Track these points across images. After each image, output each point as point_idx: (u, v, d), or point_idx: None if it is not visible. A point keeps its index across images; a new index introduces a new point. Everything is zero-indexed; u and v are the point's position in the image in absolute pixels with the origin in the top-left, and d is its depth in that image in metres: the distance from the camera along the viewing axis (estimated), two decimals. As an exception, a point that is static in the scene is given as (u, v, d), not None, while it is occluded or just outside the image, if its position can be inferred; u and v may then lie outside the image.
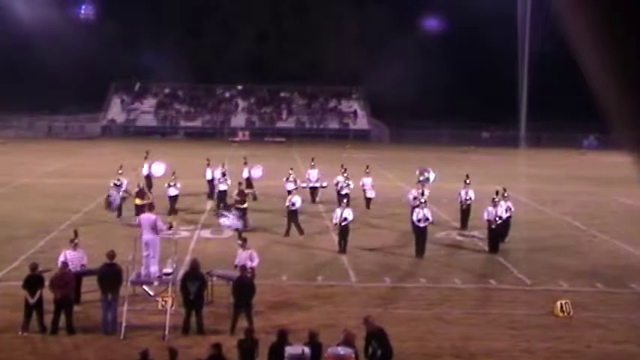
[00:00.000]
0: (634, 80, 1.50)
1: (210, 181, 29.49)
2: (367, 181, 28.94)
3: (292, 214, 23.79)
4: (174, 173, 27.72)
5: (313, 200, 29.30)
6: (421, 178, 27.69)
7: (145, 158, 30.39)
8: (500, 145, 60.95)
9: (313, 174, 29.81)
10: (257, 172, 30.63)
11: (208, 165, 29.92)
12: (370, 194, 28.60)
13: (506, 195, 23.50)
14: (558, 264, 20.98)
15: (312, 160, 30.71)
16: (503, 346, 14.25)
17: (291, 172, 28.93)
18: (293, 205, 23.82)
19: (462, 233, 24.84)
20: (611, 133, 1.67)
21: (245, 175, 29.75)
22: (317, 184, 29.54)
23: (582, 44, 1.56)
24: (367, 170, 29.81)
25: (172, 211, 26.51)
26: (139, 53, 66.37)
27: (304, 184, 29.59)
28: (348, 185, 27.63)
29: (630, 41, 1.45)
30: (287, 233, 23.47)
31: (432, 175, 28.48)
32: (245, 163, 30.65)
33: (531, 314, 16.17)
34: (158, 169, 30.02)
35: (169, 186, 27.08)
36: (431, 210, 22.53)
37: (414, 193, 25.18)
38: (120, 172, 26.85)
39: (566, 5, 1.55)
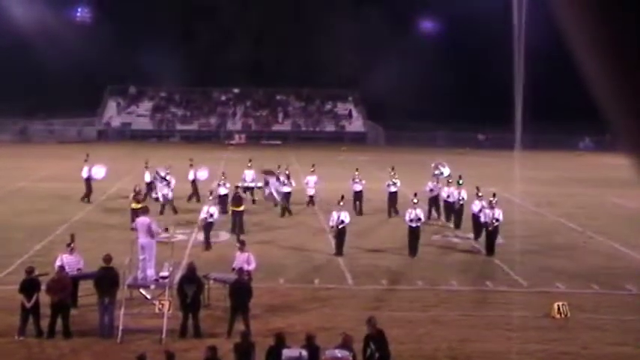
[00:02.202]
0: (633, 81, 1.50)
1: (149, 184, 29.37)
2: (311, 179, 29.92)
3: (207, 226, 22.01)
4: (223, 173, 28.47)
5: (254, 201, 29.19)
6: (436, 172, 29.47)
7: (85, 161, 30.39)
8: (497, 148, 60.93)
9: (249, 174, 29.68)
10: (203, 174, 30.64)
11: (146, 168, 29.82)
12: (311, 192, 29.62)
13: (480, 195, 23.88)
14: (555, 266, 21.02)
15: (250, 160, 30.86)
16: (500, 348, 14.27)
17: (357, 172, 29.17)
18: (211, 216, 22.03)
19: (458, 235, 24.91)
20: (609, 134, 1.68)
21: (191, 177, 30.02)
22: (252, 184, 29.29)
23: (580, 45, 1.56)
24: (312, 169, 30.48)
25: (223, 210, 26.78)
26: (135, 56, 66.25)
27: (239, 184, 29.71)
28: (395, 184, 28.20)
29: (629, 41, 1.45)
30: (208, 247, 21.92)
31: (445, 170, 29.80)
32: (191, 165, 30.61)
33: (528, 316, 16.18)
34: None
35: (219, 185, 27.43)
36: (423, 210, 22.82)
37: (430, 185, 27.69)
38: (168, 170, 27.80)
39: (563, 6, 1.55)
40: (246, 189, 29.34)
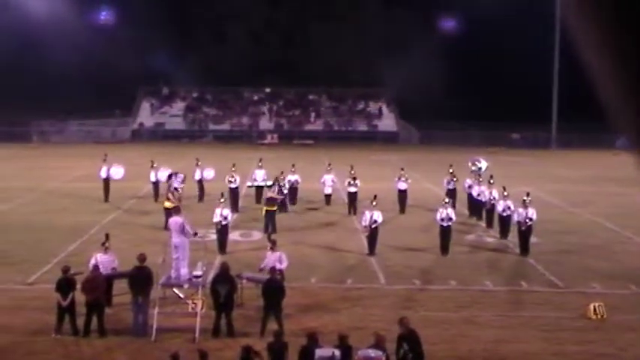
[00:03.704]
0: (635, 80, 1.46)
1: (155, 183, 29.68)
2: (328, 178, 30.01)
3: (223, 229, 21.35)
4: (282, 173, 28.56)
5: (258, 200, 28.80)
6: (473, 169, 29.79)
7: (104, 161, 30.71)
8: (531, 147, 60.36)
9: (259, 174, 29.59)
10: (209, 173, 30.76)
11: (152, 167, 30.03)
12: (328, 191, 29.79)
13: (506, 194, 23.78)
14: (591, 266, 20.71)
15: (260, 160, 30.82)
16: (535, 349, 14.09)
17: (402, 171, 29.39)
18: (225, 218, 21.29)
19: (492, 235, 24.68)
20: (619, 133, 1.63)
21: (197, 176, 30.12)
22: (262, 184, 29.00)
23: (584, 44, 1.53)
24: (329, 167, 30.57)
25: (285, 209, 27.35)
26: (166, 57, 66.91)
27: (249, 183, 30.03)
28: (456, 180, 28.86)
29: (632, 41, 1.41)
30: (223, 250, 21.15)
31: (483, 164, 30.01)
32: (197, 165, 30.73)
33: (563, 317, 15.96)
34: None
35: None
36: (454, 210, 22.79)
37: (468, 182, 28.01)
38: (233, 169, 28.48)
39: (569, 6, 1.52)
40: (258, 188, 29.42)
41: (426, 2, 66.08)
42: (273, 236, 21.06)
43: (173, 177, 25.83)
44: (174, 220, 16.17)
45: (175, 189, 25.41)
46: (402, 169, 29.72)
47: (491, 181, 26.32)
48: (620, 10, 1.40)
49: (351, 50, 71.26)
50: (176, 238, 15.73)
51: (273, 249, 16.83)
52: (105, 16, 69.87)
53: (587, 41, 1.50)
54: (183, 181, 25.17)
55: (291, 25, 73.85)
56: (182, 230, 15.80)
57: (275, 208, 24.53)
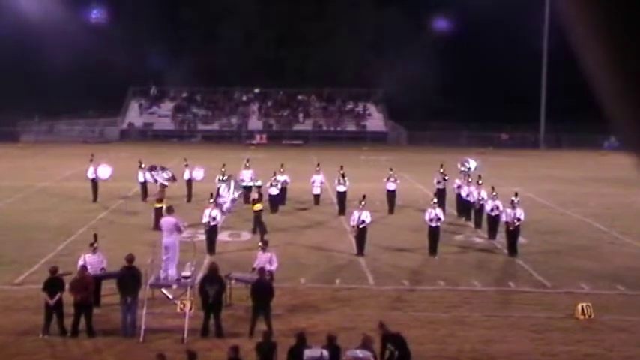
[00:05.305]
0: (634, 79, 1.46)
1: (143, 184, 29.70)
2: (317, 178, 30.13)
3: (212, 230, 21.32)
4: (275, 173, 28.60)
5: (246, 201, 28.19)
6: (462, 169, 29.94)
7: (91, 161, 30.70)
8: (520, 147, 60.59)
9: (247, 175, 29.52)
10: (198, 173, 30.80)
11: (140, 168, 29.99)
12: (317, 191, 29.90)
13: (494, 194, 23.88)
14: (579, 266, 20.81)
15: (247, 161, 30.93)
16: (524, 349, 14.14)
17: (391, 172, 29.35)
18: (214, 219, 21.22)
19: (480, 235, 24.76)
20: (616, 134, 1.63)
21: (186, 177, 30.25)
22: (251, 184, 28.68)
23: (583, 42, 1.53)
24: (317, 168, 30.72)
25: (274, 210, 27.42)
26: (156, 57, 66.74)
27: None
28: (446, 179, 28.94)
29: (631, 39, 1.42)
30: (212, 250, 21.14)
31: (472, 164, 30.21)
32: (186, 165, 30.75)
33: (552, 317, 16.03)
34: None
35: (271, 185, 27.81)
36: (443, 210, 22.85)
37: (458, 182, 28.06)
38: (223, 169, 28.17)
39: (567, 4, 1.52)
40: (246, 188, 29.32)
41: (418, 4, 66.20)
42: (265, 236, 21.01)
43: (158, 170, 25.97)
44: (167, 220, 16.13)
45: (163, 185, 25.48)
46: (391, 170, 29.75)
47: (480, 182, 26.47)
48: None
49: (341, 51, 71.32)
50: (167, 239, 15.69)
51: (264, 249, 16.81)
52: (96, 14, 69.63)
53: (584, 33, 1.50)
54: (170, 179, 25.06)
55: (282, 25, 73.79)
56: (176, 229, 15.76)
57: (261, 209, 24.45)
